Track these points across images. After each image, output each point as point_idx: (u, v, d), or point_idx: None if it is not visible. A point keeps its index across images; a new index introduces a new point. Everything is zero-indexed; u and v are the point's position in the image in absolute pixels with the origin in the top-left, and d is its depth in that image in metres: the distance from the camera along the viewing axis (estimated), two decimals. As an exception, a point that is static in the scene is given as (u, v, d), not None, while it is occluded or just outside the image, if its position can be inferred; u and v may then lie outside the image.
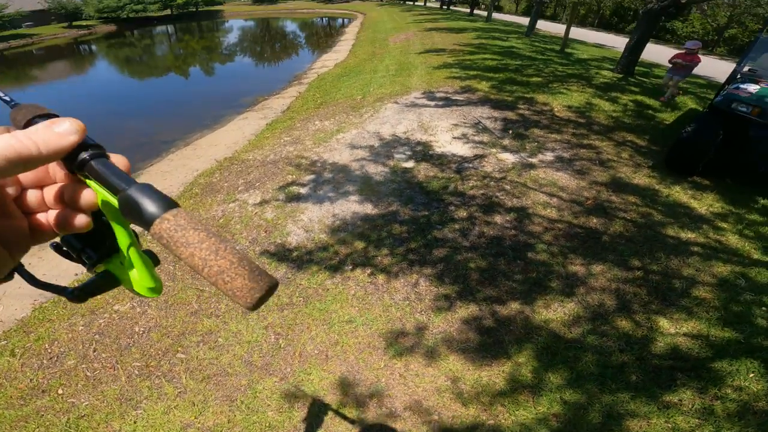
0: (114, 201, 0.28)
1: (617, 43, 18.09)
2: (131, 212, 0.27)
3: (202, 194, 4.11)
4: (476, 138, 4.77)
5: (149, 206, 0.27)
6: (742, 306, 2.55)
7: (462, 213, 3.43)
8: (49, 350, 2.34)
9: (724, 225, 3.32)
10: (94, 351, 2.32)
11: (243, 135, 6.35)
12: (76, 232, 0.31)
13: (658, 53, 13.47)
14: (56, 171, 0.31)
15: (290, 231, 3.27)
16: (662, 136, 5.08)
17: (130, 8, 36.22)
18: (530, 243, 3.06)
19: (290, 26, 32.91)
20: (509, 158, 4.30)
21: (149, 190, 0.28)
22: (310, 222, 3.37)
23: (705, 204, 3.59)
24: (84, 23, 36.21)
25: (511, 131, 4.90)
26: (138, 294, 0.34)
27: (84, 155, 0.28)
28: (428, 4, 42.48)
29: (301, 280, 2.76)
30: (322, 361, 2.21)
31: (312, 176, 4.16)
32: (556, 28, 22.75)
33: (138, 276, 0.33)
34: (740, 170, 4.04)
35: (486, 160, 4.26)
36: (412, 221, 3.31)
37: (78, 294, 0.35)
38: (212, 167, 4.89)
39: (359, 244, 3.07)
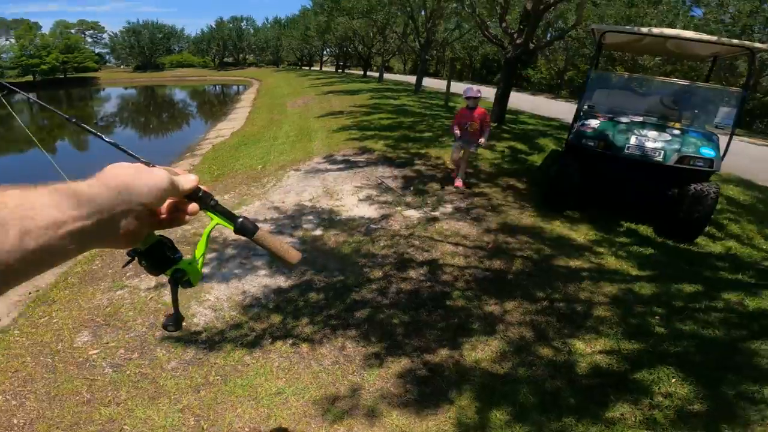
0: (230, 225, 0.62)
1: (486, 93, 20.81)
2: (243, 230, 0.62)
3: (80, 283, 3.60)
4: (381, 198, 4.94)
5: (251, 226, 0.63)
6: (637, 318, 2.89)
7: (377, 273, 3.45)
8: None
9: (601, 249, 3.82)
10: None
11: None
12: (182, 224, 0.58)
13: (518, 99, 15.66)
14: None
15: (195, 312, 3.00)
16: (536, 177, 5.80)
17: None
18: (446, 291, 3.18)
19: (180, 94, 31.96)
20: (414, 214, 4.51)
21: (247, 219, 0.63)
22: (217, 301, 3.14)
23: (582, 234, 4.11)
24: None
25: (412, 188, 5.19)
26: (192, 285, 0.62)
27: (212, 201, 0.59)
28: (324, 69, 44.98)
29: (216, 359, 2.54)
30: (254, 443, 1.97)
31: (214, 254, 3.88)
32: (439, 84, 25.49)
33: (198, 272, 0.63)
34: (600, 199, 4.74)
35: (392, 218, 4.41)
36: (328, 287, 3.25)
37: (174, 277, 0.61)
38: (92, 254, 4.31)
39: (276, 318, 2.92)
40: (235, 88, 33.44)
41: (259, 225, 0.64)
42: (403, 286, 3.26)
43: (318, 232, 4.23)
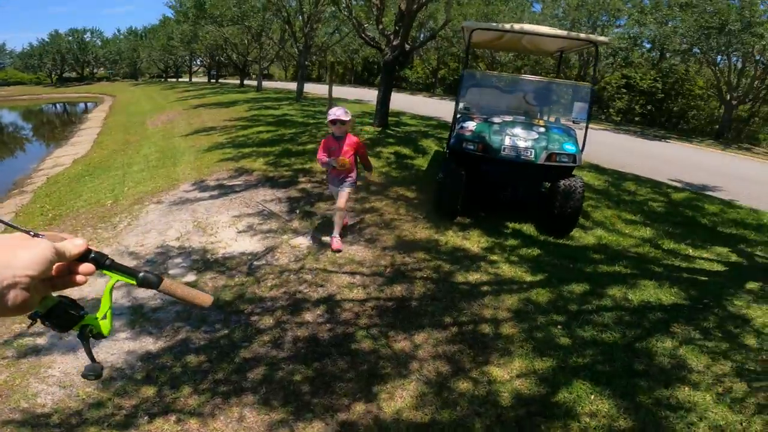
0: (131, 280, 0.64)
1: (370, 96, 21.19)
2: (146, 283, 0.65)
3: None
4: (264, 226, 4.35)
5: (154, 279, 0.65)
6: (542, 331, 2.85)
7: (267, 320, 2.94)
8: None
9: (495, 257, 3.83)
10: None
11: None
12: (79, 285, 0.60)
13: (398, 100, 16.11)
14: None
15: (38, 391, 2.34)
16: (423, 183, 5.78)
17: None
18: (349, 333, 2.81)
19: (7, 116, 26.11)
20: (302, 242, 4.03)
21: (149, 272, 0.65)
22: (65, 376, 2.45)
23: (474, 242, 4.10)
24: None
25: (298, 211, 4.69)
26: (104, 336, 0.64)
27: (107, 261, 0.61)
28: (194, 80, 41.11)
29: None
30: None
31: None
32: (322, 90, 25.13)
33: (108, 324, 0.64)
34: (484, 202, 4.86)
35: (279, 250, 3.88)
36: (210, 346, 2.66)
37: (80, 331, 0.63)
38: None
39: (148, 390, 2.32)
40: (82, 105, 28.56)
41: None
42: (300, 333, 2.81)
43: (190, 277, 3.50)
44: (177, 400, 2.26)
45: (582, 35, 4.53)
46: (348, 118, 3.58)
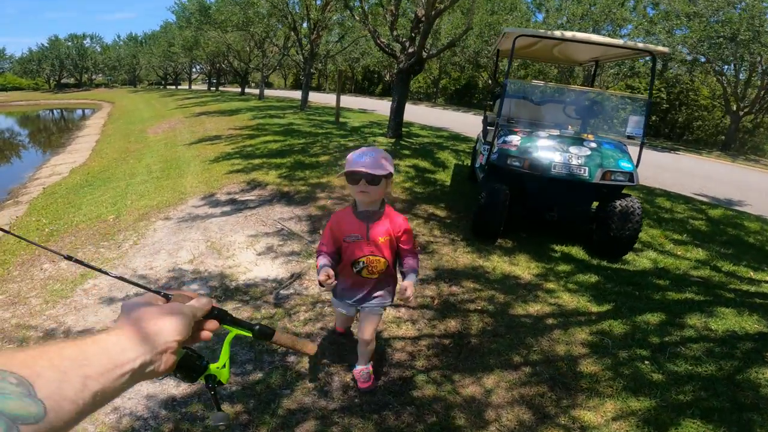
0: (248, 333, 0.72)
1: (374, 105, 20.96)
2: (261, 336, 0.72)
3: None
4: (285, 248, 3.94)
5: (269, 331, 0.73)
6: (628, 367, 2.50)
7: (308, 362, 2.50)
8: None
9: (551, 285, 3.45)
10: None
11: None
12: (205, 340, 0.65)
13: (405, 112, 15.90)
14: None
15: None
16: (452, 200, 5.40)
17: None
18: (407, 377, 2.40)
19: (3, 122, 25.63)
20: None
21: (263, 326, 0.73)
22: (76, 429, 1.88)
23: (524, 268, 3.70)
24: None
25: (321, 231, 4.28)
26: (223, 384, 0.68)
27: (228, 317, 0.69)
28: (194, 87, 40.82)
29: None
30: None
31: None
32: (325, 98, 24.92)
33: (226, 372, 0.69)
34: (525, 223, 4.48)
35: (307, 277, 3.46)
36: (246, 393, 2.23)
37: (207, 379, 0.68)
38: None
39: None
40: (79, 112, 28.12)
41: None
42: (349, 377, 2.38)
43: (207, 309, 3.07)
44: None
45: (639, 44, 4.18)
46: (384, 172, 1.71)
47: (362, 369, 2.30)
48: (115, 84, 54.01)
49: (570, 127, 4.69)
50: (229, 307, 3.08)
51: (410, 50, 8.25)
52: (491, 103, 5.82)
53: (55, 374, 0.43)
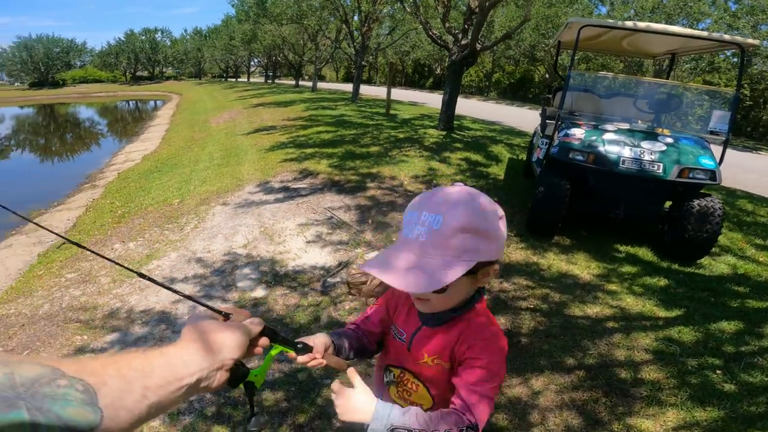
0: (291, 350, 0.78)
1: (424, 98, 20.69)
2: (302, 352, 0.80)
3: None
4: (334, 237, 3.99)
5: (309, 350, 0.81)
6: (696, 376, 2.32)
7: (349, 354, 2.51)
8: None
9: (613, 287, 3.23)
10: None
11: (6, 273, 4.38)
12: (256, 355, 0.70)
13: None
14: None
15: None
16: (505, 194, 5.20)
17: None
18: None
19: (85, 112, 28.30)
20: (379, 257, 3.62)
21: (305, 344, 0.81)
22: None
23: (582, 267, 3.50)
24: None
25: (370, 221, 4.29)
26: (257, 389, 0.71)
27: (279, 336, 0.74)
28: (252, 80, 42.63)
29: None
30: None
31: (114, 335, 2.78)
32: (374, 91, 25.00)
33: (261, 379, 0.71)
34: (586, 220, 4.21)
35: (354, 266, 3.49)
36: (287, 381, 2.28)
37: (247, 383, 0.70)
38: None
39: (219, 431, 2.00)
40: (151, 103, 30.37)
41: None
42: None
43: (259, 292, 3.19)
44: None
45: (726, 36, 3.74)
46: (450, 276, 0.72)
47: None
48: (182, 76, 57.52)
49: (640, 121, 4.33)
50: (278, 293, 3.18)
51: (463, 42, 8.01)
52: (550, 96, 5.53)
53: (119, 383, 0.45)
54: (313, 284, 3.26)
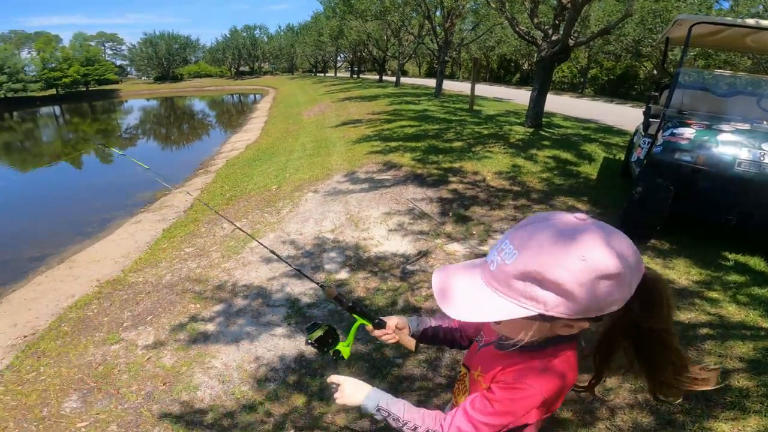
0: (369, 323, 1.03)
1: (510, 95, 19.85)
2: (379, 326, 1.04)
3: (73, 332, 3.10)
4: (415, 227, 4.16)
5: (383, 324, 1.04)
6: None
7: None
8: None
9: (714, 294, 2.97)
10: None
11: (136, 245, 5.19)
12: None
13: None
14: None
15: (200, 383, 2.41)
16: (598, 195, 4.92)
17: (7, 87, 33.08)
18: None
19: (198, 105, 31.98)
20: (458, 249, 3.71)
21: (381, 318, 1.04)
22: (225, 369, 2.52)
23: (681, 273, 3.25)
24: (-46, 104, 31.85)
25: (451, 213, 4.39)
26: (345, 360, 1.00)
27: (356, 309, 1.02)
28: (338, 74, 44.55)
29: None
30: None
31: (222, 305, 3.21)
32: (457, 86, 24.63)
33: (349, 351, 0.99)
34: (692, 225, 3.86)
35: (433, 256, 3.63)
36: (362, 358, 2.51)
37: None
38: (89, 294, 3.76)
39: (299, 399, 2.25)
40: (251, 97, 33.28)
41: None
42: (460, 356, 2.48)
43: (343, 274, 3.48)
44: (324, 416, 2.14)
45: None
46: (527, 311, 0.68)
47: None
48: (277, 71, 61.82)
49: (766, 122, 3.83)
50: (360, 276, 3.44)
51: (553, 38, 7.62)
52: (656, 94, 5.09)
53: None
54: (393, 270, 3.47)
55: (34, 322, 3.59)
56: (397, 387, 2.28)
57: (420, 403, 2.10)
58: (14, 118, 26.98)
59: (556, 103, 16.06)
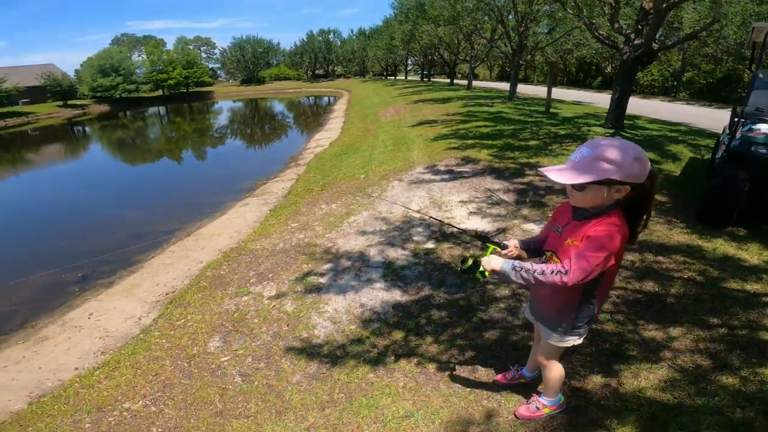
0: (498, 247, 1.72)
1: (590, 98, 19.18)
2: (502, 247, 1.73)
3: (210, 287, 3.89)
4: (493, 211, 4.65)
5: (503, 247, 1.76)
6: None
7: (504, 291, 3.17)
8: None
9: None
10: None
11: (246, 223, 6.17)
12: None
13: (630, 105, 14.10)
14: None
15: (316, 324, 3.02)
16: (679, 189, 5.04)
17: (123, 88, 36.57)
18: None
19: (278, 106, 34.50)
20: (535, 228, 4.15)
21: (504, 244, 1.75)
22: (336, 313, 3.14)
23: (754, 254, 3.45)
24: (78, 102, 35.90)
25: (528, 200, 4.81)
26: (483, 276, 1.53)
27: (488, 239, 1.79)
28: (409, 78, 45.41)
29: (339, 375, 2.51)
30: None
31: (329, 264, 3.94)
32: (532, 90, 24.24)
33: (487, 271, 1.52)
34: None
35: (511, 232, 4.10)
36: (450, 305, 3.06)
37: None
38: (218, 258, 4.66)
39: (397, 334, 2.81)
40: (327, 99, 35.22)
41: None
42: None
43: (430, 245, 4.08)
44: (420, 346, 2.65)
45: None
46: (591, 178, 1.36)
47: (523, 374, 2.23)
48: (349, 74, 63.96)
49: None
50: (445, 246, 3.99)
51: (636, 42, 7.61)
52: (744, 95, 5.14)
53: None
54: (475, 242, 4.00)
55: (172, 282, 4.39)
56: (481, 327, 2.79)
57: (498, 342, 2.65)
58: (128, 117, 31.13)
59: (644, 106, 15.35)
